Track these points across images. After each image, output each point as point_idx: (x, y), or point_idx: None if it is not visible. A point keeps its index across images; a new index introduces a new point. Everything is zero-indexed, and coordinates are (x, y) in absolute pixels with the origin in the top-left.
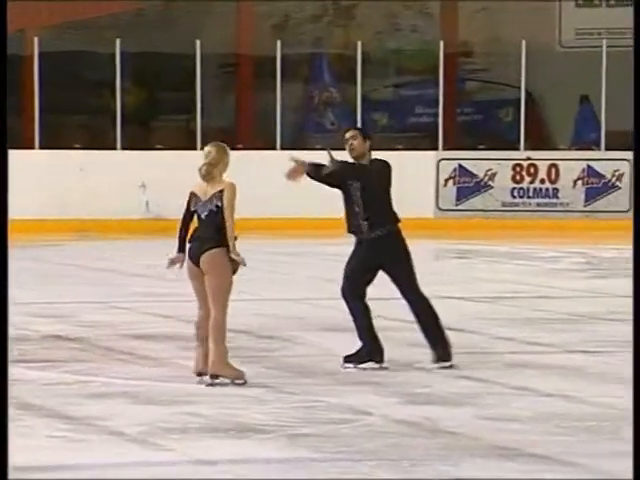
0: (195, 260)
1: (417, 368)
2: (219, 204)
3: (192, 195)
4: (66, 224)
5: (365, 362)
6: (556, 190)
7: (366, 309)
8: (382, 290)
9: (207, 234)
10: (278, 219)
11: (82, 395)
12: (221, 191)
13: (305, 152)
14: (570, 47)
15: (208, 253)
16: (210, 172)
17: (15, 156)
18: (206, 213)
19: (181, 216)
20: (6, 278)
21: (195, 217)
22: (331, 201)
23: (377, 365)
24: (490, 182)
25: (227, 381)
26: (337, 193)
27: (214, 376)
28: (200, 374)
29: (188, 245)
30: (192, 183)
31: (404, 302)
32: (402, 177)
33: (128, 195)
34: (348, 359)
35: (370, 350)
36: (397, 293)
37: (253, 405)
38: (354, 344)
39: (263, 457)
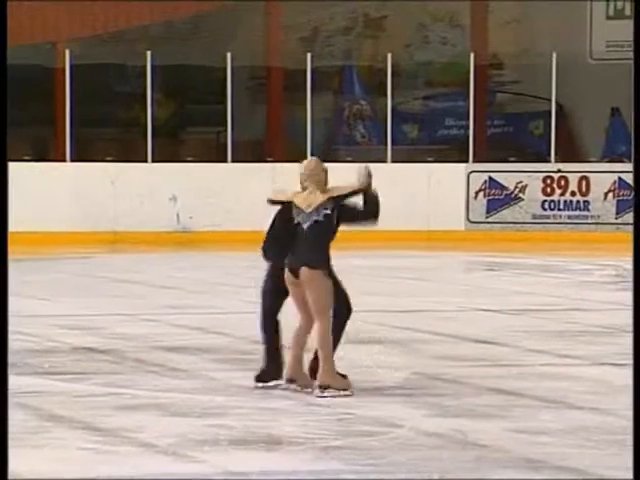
0: (295, 272)
1: (446, 380)
2: (328, 212)
3: (293, 206)
4: (97, 236)
5: (273, 380)
6: (587, 202)
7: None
8: (411, 302)
9: (309, 247)
10: None
11: (112, 407)
12: (329, 199)
13: (335, 164)
14: (601, 59)
15: (307, 268)
16: (312, 183)
17: (46, 169)
18: (309, 224)
19: (272, 227)
20: (6, 284)
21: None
22: None
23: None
24: (520, 194)
25: (335, 392)
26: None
27: (323, 387)
28: (290, 380)
29: (289, 255)
30: (217, 194)
31: (436, 315)
32: (432, 190)
33: (159, 208)
34: (259, 378)
35: (278, 367)
36: (426, 305)
37: (283, 417)
38: (385, 356)
39: (294, 469)
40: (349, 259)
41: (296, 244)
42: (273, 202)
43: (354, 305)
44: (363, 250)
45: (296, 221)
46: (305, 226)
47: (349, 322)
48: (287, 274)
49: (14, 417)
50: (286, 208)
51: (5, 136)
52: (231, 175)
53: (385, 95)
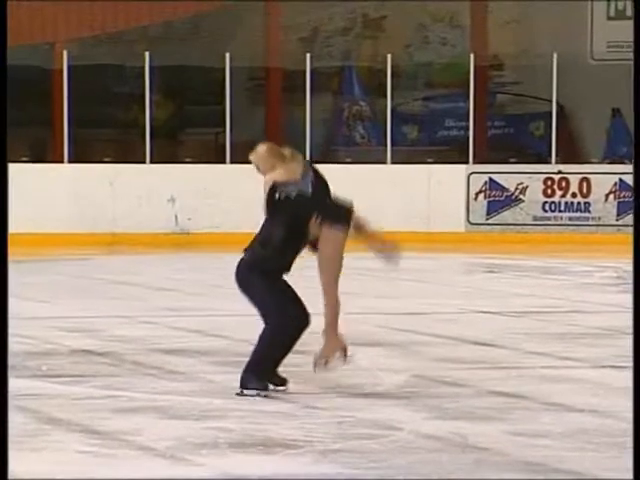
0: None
1: (446, 383)
2: (313, 174)
3: (278, 186)
4: (95, 238)
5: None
6: (588, 204)
7: None
8: (411, 304)
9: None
10: None
11: (110, 410)
12: (306, 161)
13: (334, 165)
14: (602, 60)
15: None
16: (278, 161)
17: (44, 170)
18: (311, 189)
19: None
20: (6, 285)
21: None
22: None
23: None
24: (521, 196)
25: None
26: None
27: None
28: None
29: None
30: (215, 195)
31: (435, 317)
32: (432, 191)
33: (157, 209)
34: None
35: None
36: (426, 307)
37: (283, 420)
38: (385, 358)
39: (293, 472)
40: (348, 260)
41: (322, 210)
42: (272, 194)
43: (353, 306)
44: (362, 251)
45: (294, 195)
46: (309, 191)
47: (348, 323)
48: (344, 238)
49: (13, 420)
50: (274, 190)
51: (5, 137)
52: (230, 176)
53: (385, 96)
